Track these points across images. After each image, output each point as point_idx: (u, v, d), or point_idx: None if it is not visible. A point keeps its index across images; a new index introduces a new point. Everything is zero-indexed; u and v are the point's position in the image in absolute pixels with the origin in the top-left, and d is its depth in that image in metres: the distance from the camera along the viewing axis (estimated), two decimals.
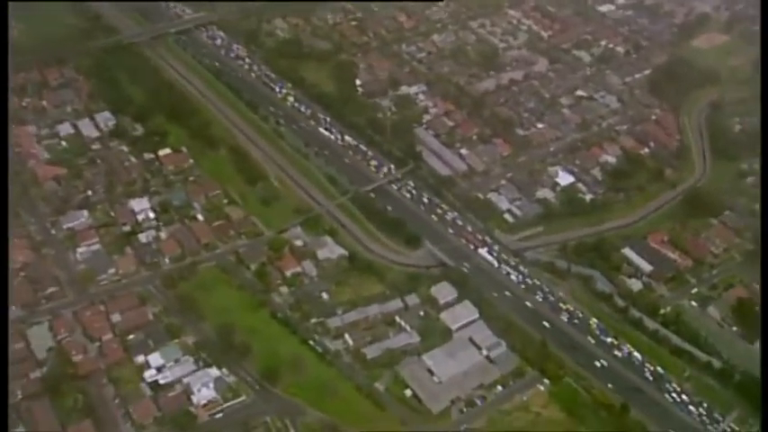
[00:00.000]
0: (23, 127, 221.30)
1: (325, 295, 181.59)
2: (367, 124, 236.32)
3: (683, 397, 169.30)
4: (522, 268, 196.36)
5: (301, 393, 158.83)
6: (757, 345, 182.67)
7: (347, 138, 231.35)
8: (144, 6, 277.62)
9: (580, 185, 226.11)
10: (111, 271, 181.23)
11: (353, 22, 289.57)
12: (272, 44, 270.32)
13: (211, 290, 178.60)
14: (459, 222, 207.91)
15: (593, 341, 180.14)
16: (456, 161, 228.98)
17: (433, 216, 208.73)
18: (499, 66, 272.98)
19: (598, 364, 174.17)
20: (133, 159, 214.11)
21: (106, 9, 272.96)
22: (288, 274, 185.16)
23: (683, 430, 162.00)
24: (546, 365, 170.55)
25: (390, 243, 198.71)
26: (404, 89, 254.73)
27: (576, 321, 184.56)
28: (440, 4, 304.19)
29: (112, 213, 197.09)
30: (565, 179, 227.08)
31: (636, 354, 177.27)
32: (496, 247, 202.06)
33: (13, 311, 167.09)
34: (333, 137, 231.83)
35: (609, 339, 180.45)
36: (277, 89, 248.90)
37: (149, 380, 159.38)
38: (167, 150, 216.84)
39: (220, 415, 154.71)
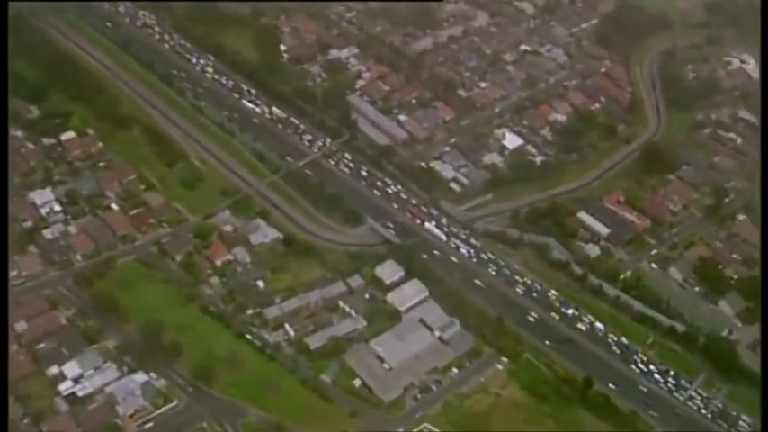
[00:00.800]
0: None
1: (260, 283, 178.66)
2: (296, 94, 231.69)
3: (649, 366, 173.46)
4: (472, 240, 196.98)
5: (240, 392, 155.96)
6: (721, 304, 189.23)
7: (275, 110, 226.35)
8: None
9: (529, 148, 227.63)
10: (13, 273, 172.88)
11: None
12: (183, 10, 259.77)
13: (133, 286, 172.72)
14: (403, 195, 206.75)
15: (552, 314, 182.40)
16: (395, 129, 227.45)
17: (373, 190, 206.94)
18: (436, 23, 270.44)
19: (559, 337, 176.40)
20: (30, 146, 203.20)
21: None
22: (218, 262, 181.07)
23: (649, 401, 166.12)
24: (503, 343, 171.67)
25: (329, 222, 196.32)
26: (333, 53, 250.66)
27: (533, 294, 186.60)
28: None
29: (11, 208, 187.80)
30: (513, 142, 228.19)
31: (598, 324, 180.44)
32: (444, 220, 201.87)
33: None
34: (259, 109, 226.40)
35: (570, 311, 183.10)
36: (193, 60, 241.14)
37: (65, 393, 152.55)
38: (71, 134, 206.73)
39: (151, 424, 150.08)
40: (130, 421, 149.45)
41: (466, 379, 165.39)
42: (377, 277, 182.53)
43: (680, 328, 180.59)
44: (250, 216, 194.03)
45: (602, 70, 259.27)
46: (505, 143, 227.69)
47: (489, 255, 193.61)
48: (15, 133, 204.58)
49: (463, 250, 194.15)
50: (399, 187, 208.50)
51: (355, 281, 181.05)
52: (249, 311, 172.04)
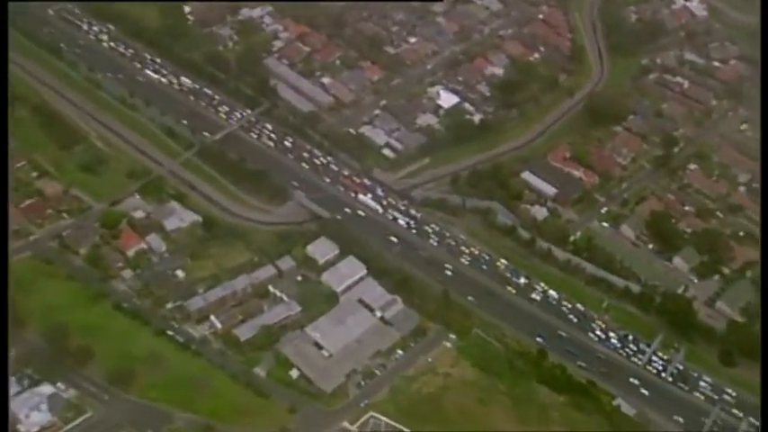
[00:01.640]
0: None
1: (180, 273, 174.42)
2: (206, 60, 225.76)
3: (607, 332, 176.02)
4: (411, 210, 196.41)
5: (164, 395, 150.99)
6: (676, 260, 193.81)
7: (183, 79, 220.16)
8: None
9: (466, 105, 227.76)
10: None
11: None
12: None
13: (31, 287, 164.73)
14: (333, 166, 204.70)
15: (502, 284, 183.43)
16: (319, 93, 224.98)
17: (300, 162, 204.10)
18: None
19: (510, 308, 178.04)
20: None
21: None
22: (130, 253, 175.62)
23: (606, 367, 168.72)
24: (450, 319, 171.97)
25: (253, 200, 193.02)
26: (245, 13, 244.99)
27: (481, 264, 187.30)
28: None
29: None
30: (448, 100, 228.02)
31: (552, 292, 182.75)
32: (379, 190, 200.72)
33: None
34: (165, 80, 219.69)
35: (522, 280, 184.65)
36: (85, 27, 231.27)
37: None
38: None
39: None
40: None
41: (412, 360, 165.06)
42: (309, 257, 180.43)
43: (635, 288, 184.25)
44: (163, 199, 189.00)
45: (540, 17, 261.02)
46: (440, 102, 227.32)
47: (430, 225, 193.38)
48: None
49: (402, 221, 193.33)
50: (329, 158, 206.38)
51: (286, 263, 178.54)
52: (169, 305, 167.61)
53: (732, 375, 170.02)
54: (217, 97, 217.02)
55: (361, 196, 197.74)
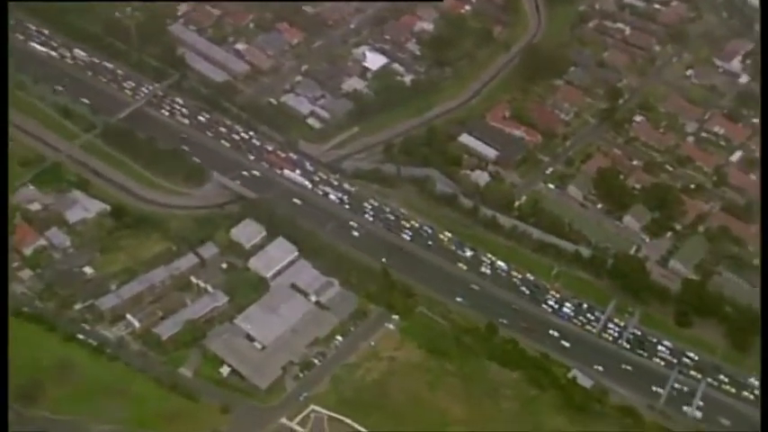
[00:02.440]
0: None
1: (88, 269, 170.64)
2: (103, 30, 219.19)
3: (559, 301, 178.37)
4: (343, 184, 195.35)
5: (78, 407, 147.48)
6: (626, 219, 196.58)
7: (78, 52, 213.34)
8: None
9: (395, 66, 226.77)
10: None
11: None
12: None
13: None
14: (255, 141, 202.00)
15: (446, 258, 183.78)
16: (233, 61, 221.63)
17: (219, 139, 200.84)
18: None
19: (455, 282, 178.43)
20: None
21: None
22: (27, 251, 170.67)
23: (561, 338, 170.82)
24: (392, 299, 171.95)
25: (167, 183, 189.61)
26: None
27: (423, 237, 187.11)
28: None
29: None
30: (375, 61, 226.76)
31: (500, 263, 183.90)
32: (307, 164, 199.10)
33: None
34: (56, 54, 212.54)
35: (468, 253, 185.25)
36: None
37: None
38: None
39: None
40: None
41: (354, 346, 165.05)
42: (234, 242, 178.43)
43: (585, 252, 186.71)
44: (62, 188, 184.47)
45: None
46: (367, 64, 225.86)
47: (364, 198, 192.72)
48: None
49: (333, 197, 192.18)
50: (250, 132, 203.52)
51: (208, 250, 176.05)
52: (78, 306, 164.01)
53: (689, 336, 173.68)
54: (119, 71, 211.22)
55: (287, 172, 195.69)
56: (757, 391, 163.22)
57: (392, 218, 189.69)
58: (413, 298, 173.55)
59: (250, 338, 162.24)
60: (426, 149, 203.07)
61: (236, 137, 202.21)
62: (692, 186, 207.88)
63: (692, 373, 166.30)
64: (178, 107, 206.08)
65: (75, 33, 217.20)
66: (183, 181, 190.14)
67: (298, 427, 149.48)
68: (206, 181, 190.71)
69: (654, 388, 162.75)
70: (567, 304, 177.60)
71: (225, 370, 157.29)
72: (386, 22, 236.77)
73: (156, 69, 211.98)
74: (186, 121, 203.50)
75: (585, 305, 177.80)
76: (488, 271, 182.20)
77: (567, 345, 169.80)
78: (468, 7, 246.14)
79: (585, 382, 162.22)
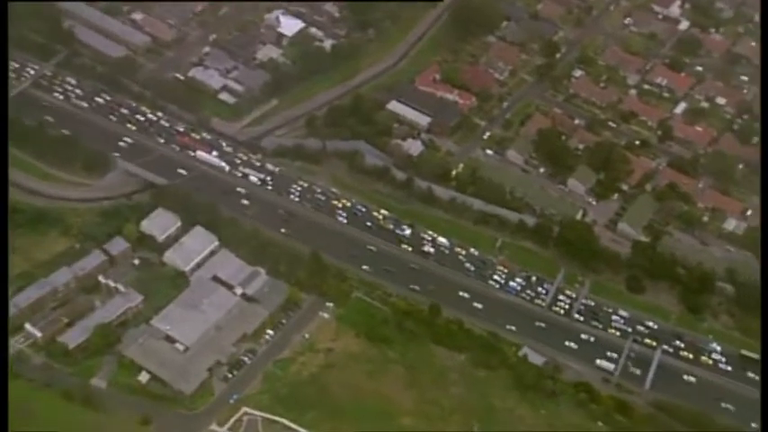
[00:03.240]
0: None
1: None
2: None
3: (507, 275, 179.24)
4: (266, 164, 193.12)
5: None
6: (570, 182, 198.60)
7: None
8: None
9: (313, 31, 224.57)
10: None
11: None
12: None
13: None
14: (163, 122, 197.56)
15: (382, 237, 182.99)
16: (130, 33, 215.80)
17: (122, 122, 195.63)
18: None
19: (393, 263, 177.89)
20: None
21: None
22: None
23: (508, 316, 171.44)
24: (325, 285, 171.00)
25: (64, 174, 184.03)
26: None
27: (356, 216, 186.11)
28: None
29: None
30: (290, 26, 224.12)
31: (441, 239, 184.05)
32: (222, 144, 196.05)
33: None
34: None
35: (406, 231, 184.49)
36: None
37: None
38: None
39: None
40: None
41: (286, 339, 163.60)
42: (146, 235, 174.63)
43: (530, 221, 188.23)
44: None
45: None
46: (282, 30, 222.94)
47: (290, 178, 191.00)
48: None
49: (254, 178, 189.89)
50: (157, 112, 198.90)
51: (117, 246, 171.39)
52: None
53: (642, 303, 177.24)
54: None
55: (201, 154, 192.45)
56: (715, 355, 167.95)
57: (322, 198, 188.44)
58: (347, 283, 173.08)
59: (170, 340, 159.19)
60: (353, 120, 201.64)
61: (142, 118, 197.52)
62: (637, 143, 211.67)
63: (648, 341, 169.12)
64: (71, 88, 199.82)
65: None
66: (82, 171, 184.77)
67: None
68: (109, 169, 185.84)
69: (609, 360, 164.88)
70: (518, 279, 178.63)
71: (144, 377, 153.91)
72: None
73: (41, 47, 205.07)
74: (84, 104, 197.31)
75: (534, 278, 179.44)
76: (431, 249, 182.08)
77: (515, 321, 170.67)
78: None
79: (537, 359, 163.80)
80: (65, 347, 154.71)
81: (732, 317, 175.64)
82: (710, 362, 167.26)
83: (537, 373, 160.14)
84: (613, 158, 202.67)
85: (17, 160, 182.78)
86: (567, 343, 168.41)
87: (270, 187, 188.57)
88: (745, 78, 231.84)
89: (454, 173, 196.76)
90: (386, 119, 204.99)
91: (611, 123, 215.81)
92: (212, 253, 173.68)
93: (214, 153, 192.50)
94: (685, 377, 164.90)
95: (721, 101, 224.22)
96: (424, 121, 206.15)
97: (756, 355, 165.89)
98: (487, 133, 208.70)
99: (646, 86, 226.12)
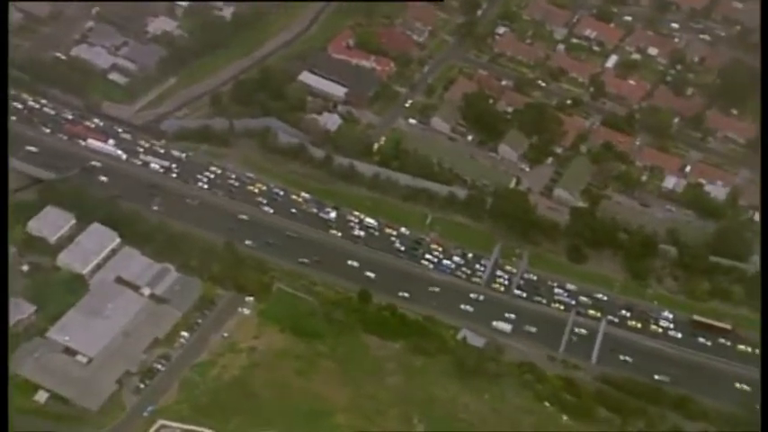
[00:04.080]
0: None
1: None
2: None
3: (438, 253, 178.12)
4: (171, 151, 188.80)
5: None
6: (501, 149, 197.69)
7: None
8: None
9: None
10: None
11: None
12: None
13: None
14: (47, 109, 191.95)
15: (304, 222, 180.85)
16: None
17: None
18: None
19: (317, 248, 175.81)
20: None
21: None
22: None
23: (443, 297, 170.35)
24: (243, 278, 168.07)
25: None
26: None
27: (274, 200, 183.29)
28: None
29: None
30: None
31: (369, 220, 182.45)
32: (118, 130, 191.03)
33: None
34: None
35: (331, 213, 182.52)
36: None
37: None
38: None
39: None
40: None
41: (204, 341, 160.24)
42: (34, 236, 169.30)
43: (460, 194, 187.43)
44: None
45: None
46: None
47: (198, 164, 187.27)
48: None
49: (156, 165, 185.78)
50: (39, 99, 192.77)
51: None
52: None
53: (584, 273, 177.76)
54: None
55: (93, 142, 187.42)
56: (664, 322, 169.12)
57: (235, 183, 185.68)
58: (268, 274, 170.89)
59: (71, 352, 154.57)
60: (262, 95, 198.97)
61: (21, 106, 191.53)
62: (569, 102, 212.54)
63: (591, 312, 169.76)
64: None
65: None
66: None
67: None
68: None
69: (554, 335, 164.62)
70: (455, 257, 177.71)
71: (42, 396, 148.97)
72: None
73: None
74: None
75: (471, 254, 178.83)
76: (360, 232, 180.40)
77: (452, 302, 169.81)
78: None
79: (477, 341, 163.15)
80: None
81: (676, 280, 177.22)
82: (660, 330, 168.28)
83: (478, 357, 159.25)
84: (545, 120, 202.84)
85: None
86: (508, 321, 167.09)
87: (175, 175, 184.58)
88: (675, 26, 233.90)
89: (376, 146, 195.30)
90: (298, 92, 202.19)
91: (540, 82, 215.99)
92: (113, 252, 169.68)
93: (112, 142, 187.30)
94: (634, 347, 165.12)
95: (653, 51, 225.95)
96: (339, 91, 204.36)
97: (708, 320, 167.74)
98: (409, 101, 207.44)
99: (574, 40, 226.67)
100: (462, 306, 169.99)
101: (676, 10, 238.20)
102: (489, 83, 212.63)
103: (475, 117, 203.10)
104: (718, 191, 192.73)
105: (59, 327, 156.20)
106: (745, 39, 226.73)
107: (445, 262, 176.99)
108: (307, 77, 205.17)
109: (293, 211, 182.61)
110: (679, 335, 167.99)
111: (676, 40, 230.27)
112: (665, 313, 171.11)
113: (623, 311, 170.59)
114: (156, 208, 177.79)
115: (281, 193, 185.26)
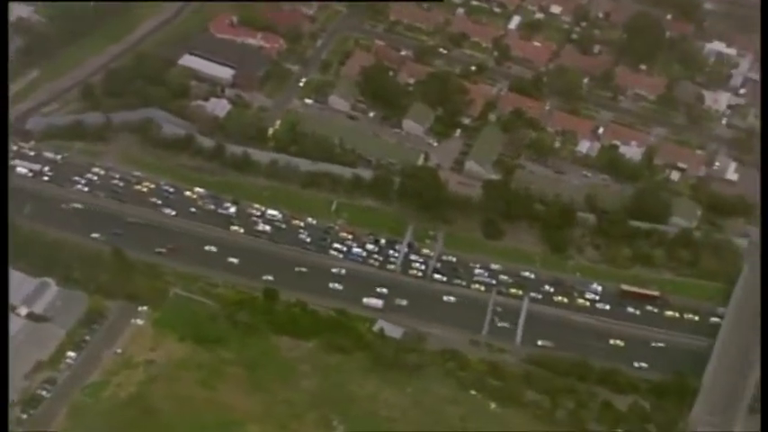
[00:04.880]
0: None
1: None
2: None
3: (348, 242, 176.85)
4: (42, 153, 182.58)
5: None
6: (406, 124, 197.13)
7: None
8: None
9: None
10: None
11: None
12: None
13: None
14: None
15: (200, 220, 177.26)
16: None
17: None
18: None
19: (218, 247, 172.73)
20: None
21: None
22: None
23: (356, 288, 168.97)
24: (134, 286, 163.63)
25: None
26: None
27: (163, 198, 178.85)
28: None
29: None
30: None
31: (271, 212, 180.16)
32: None
33: None
34: None
35: (230, 208, 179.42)
36: None
37: None
38: None
39: None
40: None
41: (94, 359, 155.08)
42: None
43: (366, 175, 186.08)
44: None
45: None
46: None
47: (74, 164, 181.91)
48: None
49: (23, 169, 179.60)
50: None
51: None
52: None
53: (502, 249, 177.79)
54: None
55: None
56: (589, 295, 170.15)
57: (119, 183, 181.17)
58: (162, 280, 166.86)
59: None
60: (139, 84, 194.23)
61: None
62: (473, 69, 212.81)
63: (513, 290, 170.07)
64: None
65: None
66: None
67: None
68: None
69: (476, 318, 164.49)
70: (368, 245, 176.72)
71: None
72: None
73: None
74: None
75: (384, 240, 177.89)
76: (265, 227, 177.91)
77: (366, 292, 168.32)
78: None
79: (395, 332, 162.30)
80: None
81: (597, 249, 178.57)
82: (587, 303, 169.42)
83: (397, 348, 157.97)
84: (449, 90, 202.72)
85: None
86: (427, 308, 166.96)
87: (47, 177, 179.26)
88: None
89: (271, 131, 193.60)
90: (180, 77, 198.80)
91: (441, 50, 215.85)
92: None
93: None
94: (560, 324, 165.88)
95: (556, 9, 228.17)
96: (226, 74, 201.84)
97: (635, 289, 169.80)
98: (303, 79, 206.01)
99: (474, 3, 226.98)
100: (377, 296, 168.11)
101: None
102: (387, 54, 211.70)
103: (375, 92, 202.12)
104: (632, 152, 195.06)
105: None
106: None
107: (355, 250, 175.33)
108: (188, 61, 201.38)
109: (192, 209, 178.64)
110: (607, 306, 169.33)
111: None
112: (593, 285, 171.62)
113: (546, 287, 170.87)
114: (27, 216, 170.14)
115: (172, 190, 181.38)
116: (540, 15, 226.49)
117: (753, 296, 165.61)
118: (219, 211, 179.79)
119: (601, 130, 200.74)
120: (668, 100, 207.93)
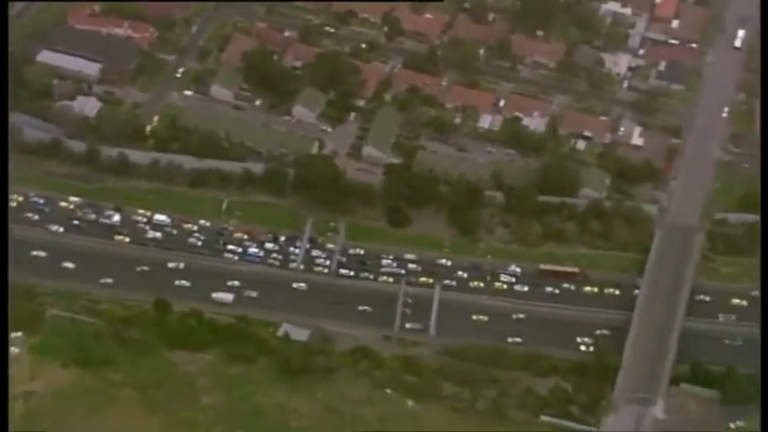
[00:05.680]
0: None
1: None
2: None
3: (243, 242, 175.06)
4: None
5: None
6: (296, 110, 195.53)
7: None
8: None
9: None
10: None
11: None
12: None
13: None
14: None
15: (77, 231, 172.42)
16: None
17: None
18: None
19: (99, 259, 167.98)
20: None
21: None
22: None
23: (256, 290, 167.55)
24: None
25: None
26: None
27: (37, 209, 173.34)
28: None
29: None
30: None
31: (160, 217, 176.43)
32: None
33: None
34: None
35: (114, 217, 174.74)
36: None
37: None
38: None
39: None
40: None
41: None
42: None
43: (257, 168, 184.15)
44: None
45: None
46: None
47: None
48: None
49: None
50: None
51: None
52: None
53: (409, 237, 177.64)
54: None
55: None
56: (505, 277, 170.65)
57: None
58: (37, 301, 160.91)
59: None
60: None
61: None
62: (364, 46, 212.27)
63: (423, 279, 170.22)
64: None
65: None
66: None
67: None
68: None
69: (387, 311, 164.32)
70: (267, 243, 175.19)
71: None
72: None
73: None
74: None
75: (283, 237, 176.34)
76: (155, 233, 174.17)
77: (269, 294, 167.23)
78: None
79: (300, 335, 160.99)
80: None
81: (507, 227, 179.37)
82: (504, 286, 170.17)
83: (304, 352, 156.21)
84: (340, 71, 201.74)
85: None
86: (335, 306, 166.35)
87: None
88: None
89: (149, 129, 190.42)
90: (39, 76, 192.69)
91: (328, 28, 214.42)
92: None
93: None
94: (475, 310, 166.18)
95: None
96: (92, 69, 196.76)
97: (554, 267, 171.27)
98: (180, 70, 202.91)
99: None
100: (278, 297, 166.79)
101: None
102: (270, 36, 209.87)
103: (260, 78, 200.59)
104: (536, 123, 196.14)
105: None
106: None
107: (252, 250, 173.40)
108: (47, 57, 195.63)
109: (74, 222, 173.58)
110: (525, 288, 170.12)
111: None
112: (510, 267, 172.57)
113: (459, 272, 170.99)
114: None
115: (42, 201, 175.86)
116: None
117: (666, 264, 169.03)
118: (102, 220, 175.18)
119: (502, 103, 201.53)
120: (568, 66, 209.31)
